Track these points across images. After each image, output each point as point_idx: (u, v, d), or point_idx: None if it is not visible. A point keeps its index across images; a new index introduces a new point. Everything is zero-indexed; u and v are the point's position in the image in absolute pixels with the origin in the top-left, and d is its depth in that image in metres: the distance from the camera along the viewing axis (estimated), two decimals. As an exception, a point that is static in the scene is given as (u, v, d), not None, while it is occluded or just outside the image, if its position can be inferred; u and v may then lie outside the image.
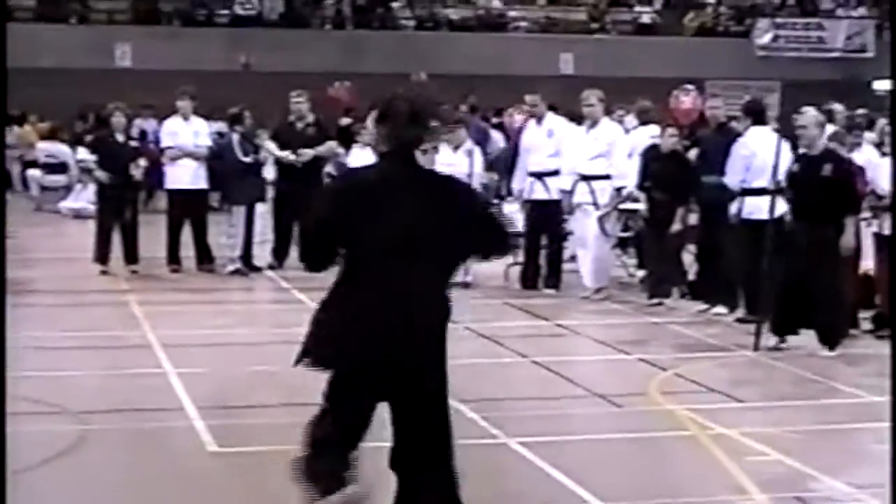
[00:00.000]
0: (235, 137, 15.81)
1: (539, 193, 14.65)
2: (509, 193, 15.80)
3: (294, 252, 15.76)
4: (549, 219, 14.65)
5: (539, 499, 7.12)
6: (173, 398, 9.27)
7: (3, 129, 12.28)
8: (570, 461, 7.75)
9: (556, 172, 14.46)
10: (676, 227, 13.52)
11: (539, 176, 14.64)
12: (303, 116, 16.49)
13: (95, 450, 8.04)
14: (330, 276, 5.90)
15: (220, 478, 7.51)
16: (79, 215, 22.08)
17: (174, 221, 16.00)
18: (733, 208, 12.56)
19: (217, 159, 16.07)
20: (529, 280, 14.76)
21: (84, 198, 21.59)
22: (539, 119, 14.89)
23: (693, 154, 13.91)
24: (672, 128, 14.15)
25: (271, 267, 15.94)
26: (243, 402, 9.23)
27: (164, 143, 16.42)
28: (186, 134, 16.13)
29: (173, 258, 15.92)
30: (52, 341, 11.49)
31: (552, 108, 15.07)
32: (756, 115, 12.90)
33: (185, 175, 15.97)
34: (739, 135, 12.81)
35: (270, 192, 16.74)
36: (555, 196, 14.49)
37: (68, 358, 10.85)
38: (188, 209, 15.91)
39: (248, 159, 15.66)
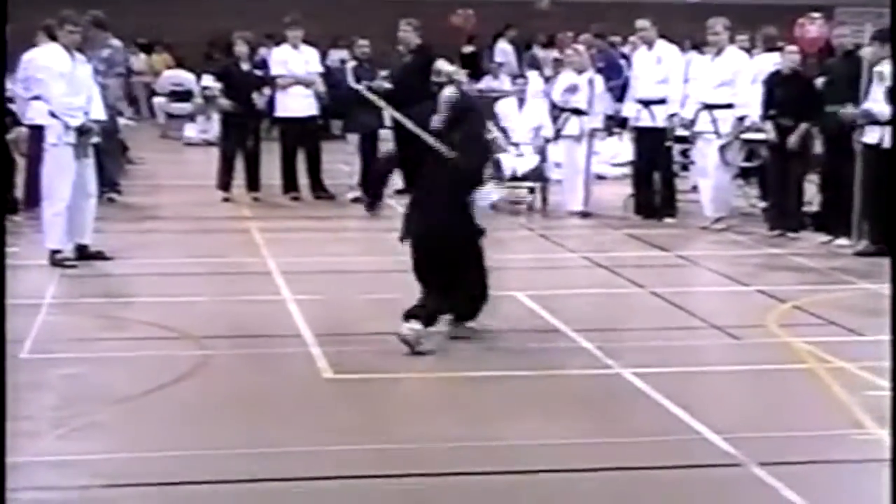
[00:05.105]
0: (349, 65, 15.88)
1: (645, 121, 14.49)
2: (622, 121, 15.64)
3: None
4: (656, 147, 14.50)
5: (652, 430, 7.08)
6: (291, 324, 9.39)
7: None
8: (685, 393, 7.70)
9: (662, 101, 14.30)
10: (794, 139, 13.25)
11: (646, 103, 14.48)
12: (407, 45, 16.25)
13: (215, 374, 8.17)
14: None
15: (335, 403, 7.60)
16: (191, 143, 22.44)
17: (288, 150, 16.12)
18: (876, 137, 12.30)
19: (335, 87, 16.13)
20: (644, 209, 14.65)
21: (207, 127, 21.91)
22: (649, 45, 14.71)
23: (820, 82, 13.63)
24: (792, 46, 13.82)
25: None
26: (359, 330, 9.29)
27: (275, 71, 16.35)
28: (297, 62, 16.14)
29: (290, 186, 16.07)
30: (176, 267, 11.70)
31: (670, 38, 14.83)
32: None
33: (296, 104, 16.02)
34: (860, 62, 12.51)
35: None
36: (661, 124, 14.34)
37: (190, 283, 11.03)
38: (301, 137, 16.01)
39: (359, 87, 15.65)
